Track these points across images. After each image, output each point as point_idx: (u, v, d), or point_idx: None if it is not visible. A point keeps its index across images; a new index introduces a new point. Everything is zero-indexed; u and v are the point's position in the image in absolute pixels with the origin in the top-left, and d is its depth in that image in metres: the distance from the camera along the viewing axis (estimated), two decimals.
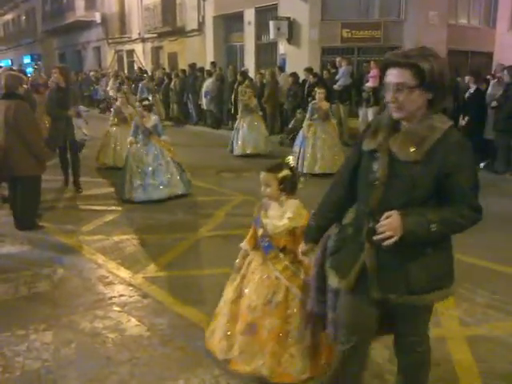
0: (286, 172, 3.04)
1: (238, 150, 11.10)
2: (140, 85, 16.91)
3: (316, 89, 9.63)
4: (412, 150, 2.20)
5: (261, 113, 11.72)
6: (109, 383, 3.12)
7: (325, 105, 9.26)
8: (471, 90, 9.63)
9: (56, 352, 3.49)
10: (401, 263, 2.30)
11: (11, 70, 8.07)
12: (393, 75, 2.26)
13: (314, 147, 9.06)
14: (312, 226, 2.67)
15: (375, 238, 2.21)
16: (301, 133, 9.43)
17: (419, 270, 2.30)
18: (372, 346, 3.49)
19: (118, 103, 10.11)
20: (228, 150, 11.33)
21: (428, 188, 2.22)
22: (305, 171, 8.71)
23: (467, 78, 9.90)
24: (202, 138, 14.49)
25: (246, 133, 11.04)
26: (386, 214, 2.17)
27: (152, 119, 7.40)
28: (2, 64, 29.91)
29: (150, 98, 11.77)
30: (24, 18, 38.78)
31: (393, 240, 2.16)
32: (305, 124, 9.32)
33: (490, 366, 3.35)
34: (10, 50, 42.65)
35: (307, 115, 9.42)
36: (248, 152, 10.92)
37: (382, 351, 3.47)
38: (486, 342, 3.63)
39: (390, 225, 2.16)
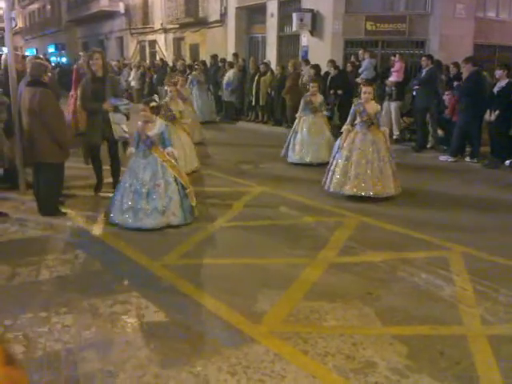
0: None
1: (294, 157, 9.31)
2: (190, 77, 14.78)
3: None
4: None
5: (326, 112, 10.06)
6: (128, 367, 3.15)
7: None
8: (502, 84, 9.38)
9: (77, 335, 3.54)
10: None
11: (38, 58, 8.08)
12: None
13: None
14: None
15: None
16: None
17: None
18: (390, 341, 3.50)
19: (166, 98, 8.62)
20: (282, 154, 9.49)
21: None
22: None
23: (498, 72, 9.65)
24: (254, 135, 13.37)
25: (306, 137, 9.23)
26: None
27: (157, 125, 5.91)
28: (27, 53, 30.23)
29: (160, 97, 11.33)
30: (49, 7, 39.16)
31: None
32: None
33: (511, 366, 3.29)
34: (35, 40, 43.18)
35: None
36: (307, 161, 9.09)
37: (399, 346, 3.45)
38: (508, 342, 3.57)
39: None
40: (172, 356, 3.29)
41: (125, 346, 3.39)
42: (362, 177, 6.76)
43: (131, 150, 5.99)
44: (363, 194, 6.73)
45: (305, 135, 9.24)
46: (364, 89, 7.03)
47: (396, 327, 3.74)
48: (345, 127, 7.17)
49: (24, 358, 3.27)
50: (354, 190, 6.76)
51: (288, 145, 9.43)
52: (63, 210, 6.21)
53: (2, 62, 7.14)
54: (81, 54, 13.48)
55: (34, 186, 6.44)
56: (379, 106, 7.33)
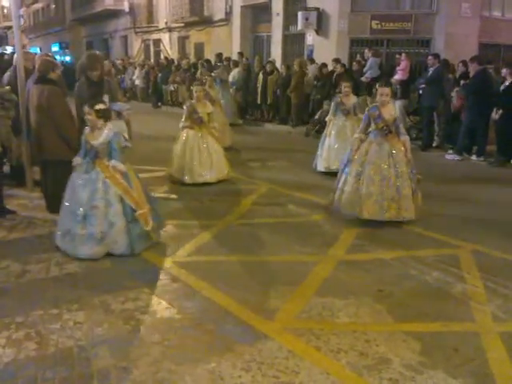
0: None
1: (320, 166, 8.38)
2: (212, 75, 13.66)
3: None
4: None
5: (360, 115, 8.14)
6: (141, 363, 3.15)
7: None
8: (507, 83, 9.40)
9: (89, 331, 3.53)
10: None
11: (47, 55, 8.07)
12: None
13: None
14: None
15: None
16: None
17: None
18: (403, 338, 3.49)
19: (193, 100, 7.85)
20: (313, 165, 8.54)
21: None
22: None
23: (504, 71, 9.65)
24: (278, 139, 12.57)
25: (333, 142, 8.26)
26: None
27: (104, 133, 4.84)
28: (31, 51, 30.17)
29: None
30: (54, 6, 39.22)
31: None
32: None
33: None
34: (38, 38, 43.23)
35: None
36: (334, 168, 7.67)
37: (413, 343, 3.44)
38: None
39: None
40: (186, 352, 3.28)
41: (138, 343, 3.39)
42: (375, 197, 5.70)
43: (77, 159, 4.96)
44: (377, 218, 5.71)
45: (332, 140, 8.26)
46: (380, 90, 5.84)
47: (408, 324, 3.73)
48: (356, 135, 6.02)
49: (37, 354, 3.27)
50: (366, 213, 5.71)
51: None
52: None
53: (14, 60, 7.13)
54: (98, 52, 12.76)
55: (42, 183, 6.45)
56: (397, 110, 6.09)
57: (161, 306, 3.89)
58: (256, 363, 3.17)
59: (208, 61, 17.02)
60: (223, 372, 3.08)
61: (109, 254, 4.81)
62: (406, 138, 5.94)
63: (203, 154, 7.51)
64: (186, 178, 7.47)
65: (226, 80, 14.11)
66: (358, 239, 5.43)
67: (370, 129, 5.94)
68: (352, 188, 5.78)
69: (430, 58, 10.97)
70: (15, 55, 7.18)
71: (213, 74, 13.50)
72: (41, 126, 5.92)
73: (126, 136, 5.95)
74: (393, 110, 5.99)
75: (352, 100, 8.48)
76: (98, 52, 6.92)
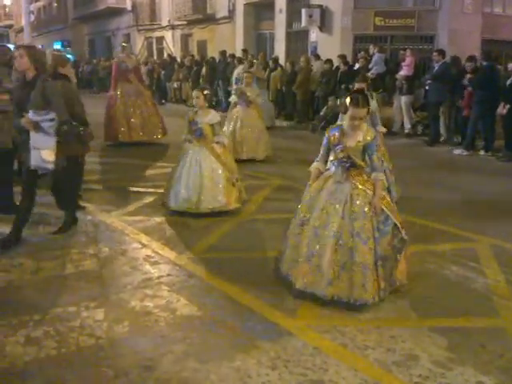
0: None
1: None
2: (236, 71, 13.24)
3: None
4: None
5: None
6: (165, 361, 3.08)
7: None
8: None
9: (109, 329, 3.47)
10: None
11: (58, 51, 8.01)
12: None
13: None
14: None
15: None
16: None
17: None
18: (428, 334, 3.43)
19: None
20: None
21: None
22: None
23: (510, 66, 9.61)
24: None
25: None
26: None
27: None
28: None
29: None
30: (55, 5, 39.05)
31: None
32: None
33: None
34: (40, 37, 43.10)
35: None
36: None
37: (439, 339, 3.38)
38: None
39: None
40: (209, 350, 3.22)
41: (160, 340, 3.33)
42: (316, 261, 3.80)
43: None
44: (318, 292, 3.78)
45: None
46: (353, 111, 3.83)
47: (432, 319, 3.66)
48: (314, 164, 4.17)
49: (57, 353, 3.21)
50: (300, 281, 3.87)
51: None
52: (82, 204, 6.15)
53: None
54: (124, 44, 11.07)
55: (52, 179, 6.37)
56: (374, 132, 4.02)
57: (180, 303, 3.82)
58: (282, 361, 3.10)
59: (213, 58, 16.98)
60: (249, 370, 3.01)
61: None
62: (378, 176, 3.96)
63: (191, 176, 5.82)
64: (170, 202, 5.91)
65: (263, 78, 13.28)
66: None
67: (331, 158, 4.13)
68: (294, 240, 4.02)
69: (434, 54, 10.95)
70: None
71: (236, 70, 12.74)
72: None
73: (48, 155, 4.78)
74: (368, 133, 3.95)
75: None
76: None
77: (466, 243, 5.19)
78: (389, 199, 4.08)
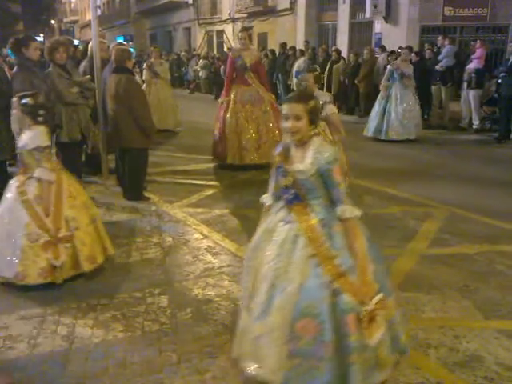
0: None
1: (370, 130, 10.30)
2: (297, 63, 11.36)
3: None
4: None
5: None
6: (228, 349, 3.14)
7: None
8: None
9: (172, 316, 3.59)
10: None
11: (121, 44, 8.22)
12: None
13: None
14: None
15: None
16: None
17: None
18: (494, 336, 3.30)
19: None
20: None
21: None
22: None
23: None
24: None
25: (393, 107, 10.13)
26: None
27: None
28: None
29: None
30: (118, 0, 40.27)
31: None
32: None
33: None
34: (103, 32, 44.51)
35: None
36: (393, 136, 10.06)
37: (506, 341, 3.26)
38: None
39: None
40: None
41: (222, 328, 3.41)
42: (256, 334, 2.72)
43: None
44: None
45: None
46: (283, 107, 2.67)
47: (499, 321, 3.54)
48: (264, 196, 3.02)
49: (124, 336, 3.36)
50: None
51: None
52: (147, 195, 6.35)
53: (89, 50, 7.31)
54: (245, 28, 9.24)
55: (119, 171, 6.62)
56: (330, 149, 2.69)
57: (241, 293, 3.87)
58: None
59: (273, 51, 16.92)
60: None
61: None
62: (345, 212, 2.64)
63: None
64: None
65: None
66: (439, 232, 5.22)
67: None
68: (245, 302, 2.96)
69: (510, 44, 10.41)
70: (90, 45, 7.35)
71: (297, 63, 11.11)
72: (118, 114, 6.04)
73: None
74: (323, 150, 2.64)
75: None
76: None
77: None
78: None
